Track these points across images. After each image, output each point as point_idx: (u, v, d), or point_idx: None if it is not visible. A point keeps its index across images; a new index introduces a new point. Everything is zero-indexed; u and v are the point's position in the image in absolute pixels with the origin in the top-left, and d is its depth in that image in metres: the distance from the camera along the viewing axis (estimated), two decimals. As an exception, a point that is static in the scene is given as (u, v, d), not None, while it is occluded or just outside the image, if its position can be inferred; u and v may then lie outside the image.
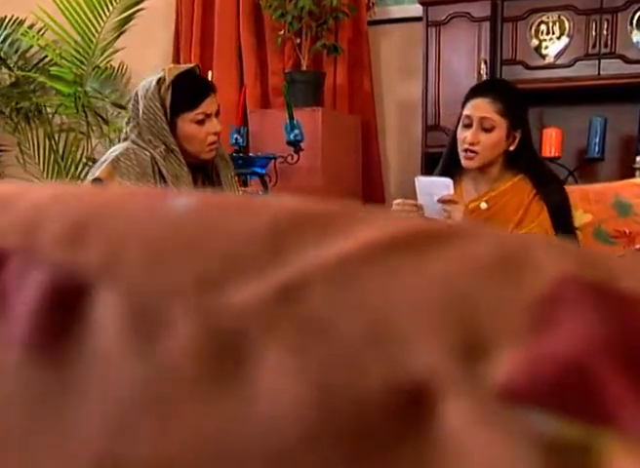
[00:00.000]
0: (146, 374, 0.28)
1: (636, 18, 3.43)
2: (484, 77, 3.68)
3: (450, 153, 2.62)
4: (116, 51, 4.54)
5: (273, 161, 3.48)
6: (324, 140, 3.68)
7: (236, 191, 2.55)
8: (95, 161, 4.54)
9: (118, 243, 0.32)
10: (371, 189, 4.11)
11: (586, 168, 3.61)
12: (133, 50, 4.58)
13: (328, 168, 3.71)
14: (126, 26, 4.47)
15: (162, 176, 2.32)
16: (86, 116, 4.55)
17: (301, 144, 3.42)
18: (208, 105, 2.28)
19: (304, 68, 3.83)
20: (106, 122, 4.68)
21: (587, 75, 3.51)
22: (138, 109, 2.32)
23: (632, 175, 3.36)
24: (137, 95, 2.34)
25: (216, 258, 0.30)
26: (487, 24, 3.68)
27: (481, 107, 2.42)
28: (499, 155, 2.50)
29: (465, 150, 2.47)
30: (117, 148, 2.34)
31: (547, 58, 3.61)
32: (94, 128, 4.64)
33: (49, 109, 4.68)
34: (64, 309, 0.30)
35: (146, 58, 4.71)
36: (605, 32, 3.47)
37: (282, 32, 3.79)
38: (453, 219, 2.34)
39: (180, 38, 4.44)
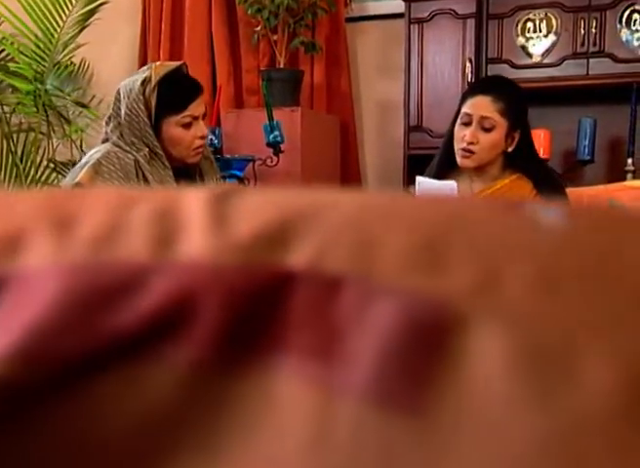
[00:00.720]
0: (549, 429, 0.24)
1: (625, 16, 3.37)
2: (469, 76, 3.60)
3: (445, 151, 2.53)
4: (79, 46, 4.36)
5: (252, 163, 3.35)
6: (303, 142, 3.56)
7: None
8: (56, 163, 4.36)
9: (494, 265, 0.27)
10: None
11: (576, 170, 3.54)
12: (96, 46, 4.41)
13: (307, 171, 3.60)
14: (89, 21, 4.29)
15: (146, 181, 2.20)
16: (46, 115, 4.36)
17: (281, 146, 3.31)
18: (195, 108, 2.17)
19: (281, 66, 3.71)
20: (68, 122, 4.49)
21: (575, 75, 3.44)
22: (119, 109, 2.21)
23: (623, 178, 3.31)
24: (118, 93, 2.22)
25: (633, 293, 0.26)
26: (472, 22, 3.60)
27: (482, 106, 2.34)
28: (496, 156, 2.42)
29: (463, 149, 2.39)
30: (98, 150, 2.22)
31: (534, 57, 3.54)
32: (55, 128, 4.45)
33: (6, 108, 4.47)
34: (426, 349, 0.25)
35: (110, 54, 4.54)
36: (593, 30, 3.41)
37: (258, 28, 3.66)
38: None
39: (147, 34, 4.27)
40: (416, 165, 3.83)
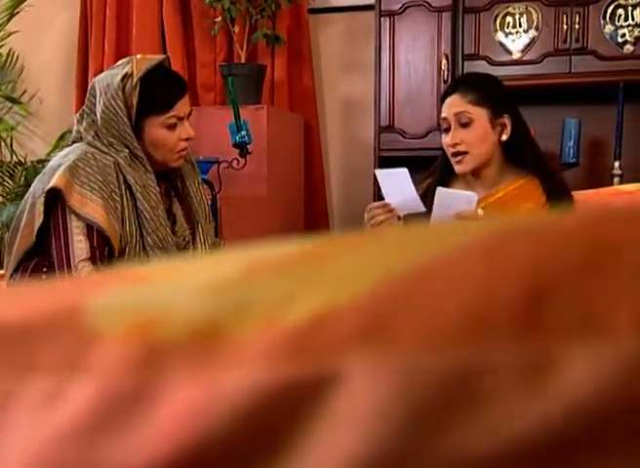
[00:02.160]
0: None
1: (609, 11, 3.29)
2: (445, 74, 3.47)
3: (442, 163, 2.44)
4: (9, 35, 4.06)
5: (217, 165, 3.14)
6: (270, 143, 3.36)
7: (203, 202, 2.24)
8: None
9: None
10: (313, 198, 3.83)
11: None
12: (27, 34, 4.10)
13: (273, 175, 3.40)
14: (20, 7, 3.99)
15: (128, 186, 1.99)
16: (-28, 112, 4.05)
17: (249, 147, 3.11)
18: (181, 107, 2.00)
19: (242, 61, 3.50)
20: (-3, 119, 4.18)
21: (557, 72, 3.35)
22: (94, 105, 2.02)
23: (609, 183, 3.23)
24: (93, 88, 2.03)
25: None
26: (447, 15, 3.47)
27: (453, 104, 2.27)
28: (493, 151, 2.31)
29: (452, 154, 2.30)
30: (71, 151, 2.01)
31: (514, 54, 3.43)
32: (-18, 126, 4.13)
33: None
34: None
35: (43, 44, 4.24)
36: (576, 26, 3.32)
37: (218, 19, 3.44)
38: None
39: (88, 21, 3.97)
40: (388, 167, 3.68)
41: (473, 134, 2.28)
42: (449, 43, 3.46)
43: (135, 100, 1.94)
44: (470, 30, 3.45)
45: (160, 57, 2.06)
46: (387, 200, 2.19)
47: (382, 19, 3.53)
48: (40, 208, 1.94)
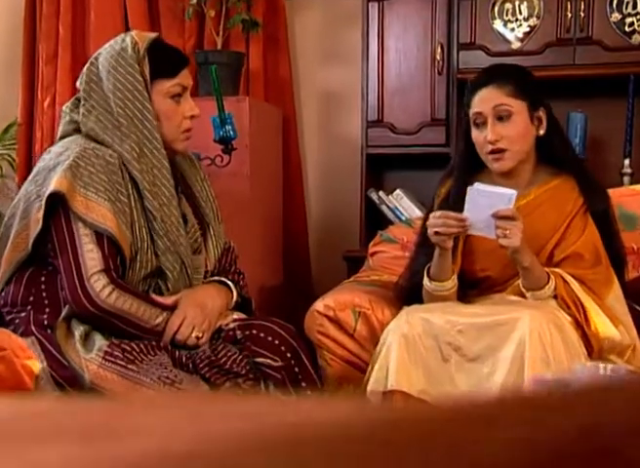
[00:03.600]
0: None
1: (616, -2, 3.16)
2: (440, 64, 3.28)
3: (463, 161, 2.33)
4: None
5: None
6: (252, 138, 3.13)
7: (210, 200, 2.05)
8: None
9: None
10: (291, 197, 3.60)
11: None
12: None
13: (256, 173, 3.17)
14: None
15: (134, 184, 1.87)
16: None
17: (233, 143, 2.87)
18: (184, 77, 1.98)
19: (219, 47, 3.25)
20: None
21: (560, 64, 3.20)
22: (95, 89, 1.90)
23: (619, 183, 3.09)
24: (93, 70, 1.92)
25: None
26: (442, 1, 3.28)
27: (489, 97, 2.18)
28: (531, 147, 2.24)
29: (491, 152, 2.19)
30: (68, 147, 1.85)
31: (513, 44, 3.26)
32: None
33: None
34: None
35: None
36: (581, 14, 3.17)
37: (194, 1, 3.18)
38: (511, 238, 2.03)
39: (36, 0, 3.64)
40: (376, 165, 3.50)
41: (514, 127, 2.17)
42: (445, 30, 3.28)
43: (147, 70, 1.89)
44: (466, 17, 3.27)
45: (153, 34, 2.05)
46: (466, 214, 2.04)
47: (370, 3, 3.33)
48: (38, 214, 1.74)
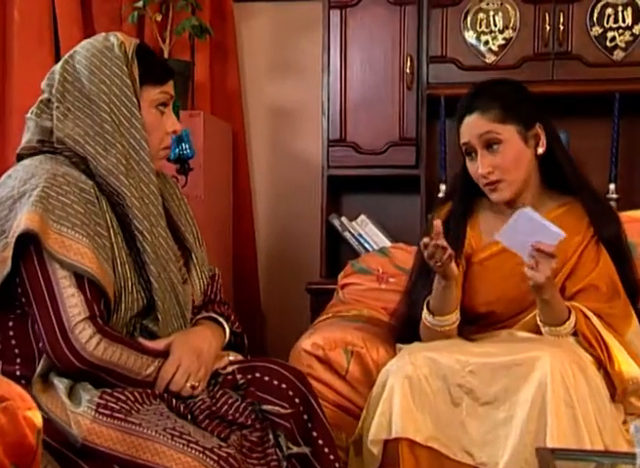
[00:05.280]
0: None
1: (597, 10, 3.04)
2: (410, 78, 3.10)
3: (463, 185, 2.19)
4: None
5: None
6: (206, 157, 2.87)
7: (189, 222, 1.87)
8: None
9: None
10: (239, 223, 3.36)
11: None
12: None
13: (210, 196, 2.92)
14: None
15: (114, 210, 1.63)
16: None
17: (190, 163, 2.62)
18: (171, 87, 1.80)
19: (166, 56, 2.99)
20: None
21: (538, 80, 3.06)
22: (69, 89, 1.67)
23: (605, 206, 2.96)
24: (69, 70, 1.69)
25: None
26: (412, 9, 3.12)
27: (474, 125, 2.07)
28: (530, 170, 2.09)
29: (485, 185, 2.08)
30: (34, 174, 1.59)
31: (487, 57, 3.12)
32: None
33: None
34: None
35: None
36: (560, 27, 3.05)
37: (139, 4, 2.91)
38: (538, 273, 1.88)
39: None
40: (338, 188, 3.29)
41: (505, 157, 2.03)
42: (414, 41, 3.11)
43: (136, 73, 1.70)
44: (436, 28, 3.13)
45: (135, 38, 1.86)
46: (500, 239, 1.94)
47: (332, 10, 3.13)
48: (4, 253, 1.47)
